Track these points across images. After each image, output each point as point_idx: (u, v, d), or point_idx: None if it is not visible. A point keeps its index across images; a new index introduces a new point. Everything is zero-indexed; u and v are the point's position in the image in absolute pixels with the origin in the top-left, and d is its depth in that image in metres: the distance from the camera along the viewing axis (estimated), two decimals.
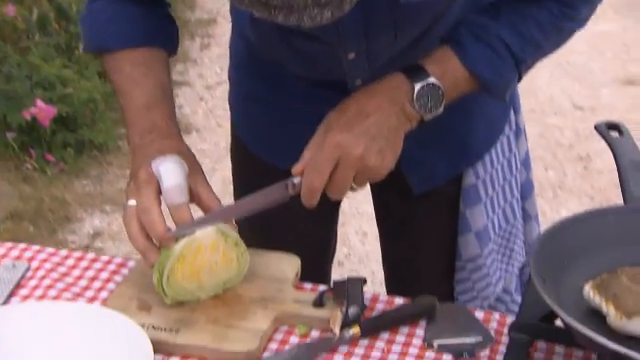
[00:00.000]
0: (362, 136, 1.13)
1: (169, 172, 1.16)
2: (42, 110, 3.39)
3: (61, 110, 3.47)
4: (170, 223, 1.17)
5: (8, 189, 3.36)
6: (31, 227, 3.12)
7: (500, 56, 1.18)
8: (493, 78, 1.20)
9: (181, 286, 1.19)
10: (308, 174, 1.15)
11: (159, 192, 1.16)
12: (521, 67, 1.21)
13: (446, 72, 1.18)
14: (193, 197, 1.20)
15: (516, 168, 1.50)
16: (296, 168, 1.17)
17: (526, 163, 1.53)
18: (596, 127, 1.26)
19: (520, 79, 1.24)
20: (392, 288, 1.59)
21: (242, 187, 1.54)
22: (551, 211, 3.43)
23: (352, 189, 1.18)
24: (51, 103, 3.46)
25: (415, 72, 1.17)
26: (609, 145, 1.21)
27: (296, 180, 1.17)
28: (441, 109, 1.18)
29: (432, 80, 1.16)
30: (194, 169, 1.21)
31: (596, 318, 1.00)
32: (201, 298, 1.21)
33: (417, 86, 1.16)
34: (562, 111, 4.32)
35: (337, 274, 2.89)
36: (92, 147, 3.61)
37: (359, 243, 3.15)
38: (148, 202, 1.15)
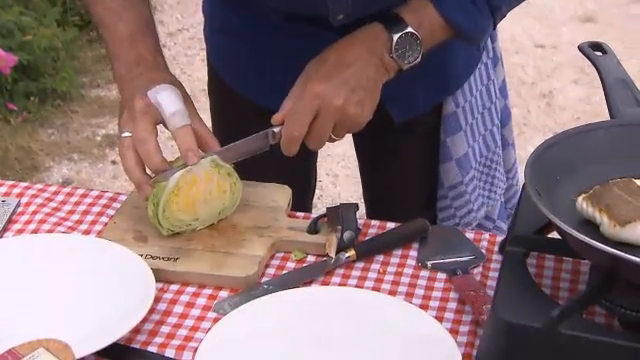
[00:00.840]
0: (342, 86, 1.15)
1: (169, 99, 1.16)
2: (2, 58, 3.31)
3: (22, 58, 3.41)
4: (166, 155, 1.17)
5: None
6: None
7: (476, 4, 1.20)
8: (469, 26, 1.22)
9: (177, 217, 1.19)
10: (288, 124, 1.17)
11: (156, 122, 1.16)
12: (496, 15, 1.23)
13: (423, 21, 1.19)
14: None
15: (495, 95, 1.51)
16: (276, 117, 1.19)
17: (503, 91, 1.55)
18: (580, 47, 1.27)
19: (495, 26, 1.26)
20: (375, 218, 1.61)
21: (220, 121, 1.55)
22: (518, 148, 3.46)
23: (331, 139, 1.21)
24: (11, 51, 3.39)
25: (393, 22, 1.19)
26: (593, 63, 1.23)
27: (276, 129, 1.20)
28: (419, 58, 1.20)
29: (410, 30, 1.18)
30: (186, 101, 1.21)
31: (589, 228, 1.02)
32: (197, 228, 1.22)
33: (395, 36, 1.17)
34: (524, 50, 4.35)
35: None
36: (55, 96, 3.56)
37: (331, 185, 3.16)
38: (145, 133, 1.15)
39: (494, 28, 1.26)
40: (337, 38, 1.27)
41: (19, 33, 3.51)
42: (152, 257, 1.17)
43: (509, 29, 4.50)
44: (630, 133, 1.12)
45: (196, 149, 1.17)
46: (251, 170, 1.47)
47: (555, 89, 3.92)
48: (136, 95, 1.17)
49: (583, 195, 1.05)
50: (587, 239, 0.94)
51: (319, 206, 3.05)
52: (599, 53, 1.26)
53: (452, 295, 1.15)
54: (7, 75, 3.37)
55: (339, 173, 3.17)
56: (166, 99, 1.16)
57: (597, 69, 1.23)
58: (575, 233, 0.95)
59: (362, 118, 1.19)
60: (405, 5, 1.21)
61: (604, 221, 1.01)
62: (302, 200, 1.49)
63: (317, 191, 3.13)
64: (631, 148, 1.12)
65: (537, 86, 3.98)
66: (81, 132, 3.42)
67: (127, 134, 1.16)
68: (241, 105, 1.45)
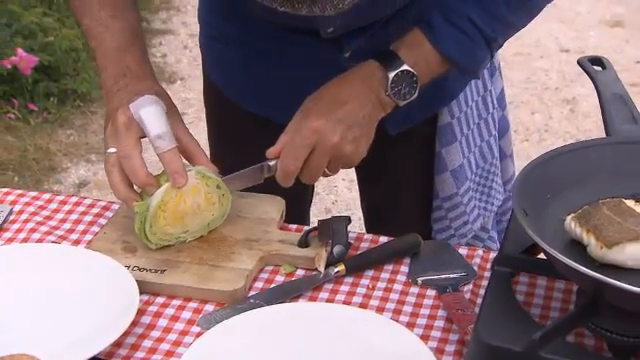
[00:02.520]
0: (338, 124, 1.16)
1: (152, 118, 1.15)
2: (23, 59, 3.36)
3: (43, 59, 3.43)
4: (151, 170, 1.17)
5: None
6: (16, 177, 3.10)
7: (471, 37, 1.19)
8: (465, 59, 1.22)
9: (165, 232, 1.19)
10: (284, 158, 1.18)
11: (139, 137, 1.16)
12: (492, 46, 1.22)
13: (419, 57, 1.20)
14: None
15: (492, 106, 1.50)
16: (271, 151, 1.20)
17: (501, 101, 1.53)
18: (579, 62, 1.25)
19: (492, 57, 1.26)
20: (371, 230, 1.60)
21: (215, 129, 1.55)
22: (537, 154, 3.43)
23: (324, 174, 1.22)
24: (32, 52, 3.42)
25: (388, 59, 1.19)
26: (591, 78, 1.21)
27: (271, 163, 1.20)
28: (415, 94, 1.20)
29: (406, 67, 1.18)
30: (171, 111, 1.21)
31: (577, 249, 1.00)
32: (187, 240, 1.21)
33: (391, 75, 1.18)
34: (548, 54, 4.31)
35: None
36: (75, 97, 3.58)
37: (346, 190, 3.15)
38: (128, 149, 1.14)
39: (491, 58, 1.25)
40: (330, 47, 1.29)
41: (41, 34, 3.54)
42: (139, 269, 1.17)
43: (534, 32, 4.46)
44: (624, 151, 1.10)
45: (183, 171, 1.16)
46: None
47: (579, 95, 3.87)
48: (119, 109, 1.17)
49: (572, 215, 1.03)
50: (570, 262, 0.92)
51: (333, 211, 3.04)
52: (599, 68, 1.24)
53: (440, 313, 1.13)
54: (28, 76, 3.40)
55: (355, 178, 3.15)
56: (149, 117, 1.15)
57: (595, 84, 1.21)
58: (559, 255, 0.93)
59: (357, 155, 1.20)
60: (400, 41, 1.21)
61: (591, 242, 0.99)
62: (298, 209, 1.48)
63: (331, 196, 3.15)
64: (625, 166, 1.10)
65: (560, 91, 3.93)
66: (100, 133, 3.43)
67: (112, 150, 1.16)
68: (235, 113, 1.46)
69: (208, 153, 1.60)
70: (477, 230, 1.54)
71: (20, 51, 3.36)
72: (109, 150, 1.16)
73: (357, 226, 1.63)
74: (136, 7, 1.29)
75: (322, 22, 1.24)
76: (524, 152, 3.50)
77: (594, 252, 0.98)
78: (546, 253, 0.96)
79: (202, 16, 1.48)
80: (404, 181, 1.50)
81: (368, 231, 1.63)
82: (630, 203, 1.01)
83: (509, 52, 4.30)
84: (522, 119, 3.72)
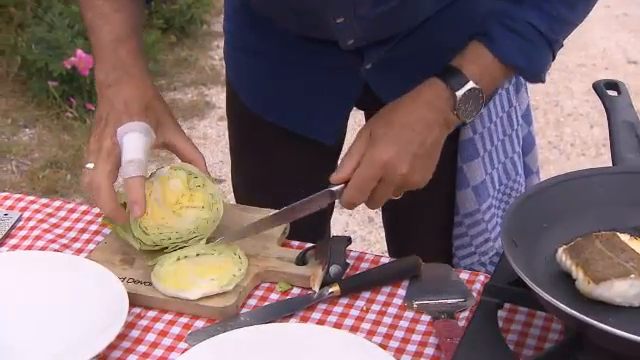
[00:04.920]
0: (407, 155, 1.14)
1: (130, 144, 1.13)
2: (82, 60, 3.42)
3: None
4: None
5: (49, 137, 3.41)
6: (68, 175, 3.16)
7: (533, 42, 1.16)
8: (529, 65, 1.20)
9: (147, 226, 1.19)
10: (352, 190, 1.16)
11: (117, 166, 1.14)
12: (555, 47, 1.19)
13: (484, 72, 1.17)
14: (169, 148, 1.20)
15: (517, 122, 1.47)
16: (336, 177, 1.17)
17: (527, 117, 1.50)
18: (594, 85, 1.21)
19: (554, 57, 1.22)
20: (392, 244, 1.59)
21: (236, 140, 1.54)
22: None
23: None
24: (91, 53, 3.47)
25: (453, 77, 1.16)
26: (604, 104, 1.17)
27: (334, 188, 1.17)
28: (481, 110, 1.18)
29: (472, 85, 1.16)
30: (164, 120, 1.20)
31: (567, 282, 0.97)
32: (177, 245, 1.20)
33: (459, 94, 1.16)
34: (614, 65, 4.19)
35: (366, 230, 2.89)
36: None
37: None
38: (102, 178, 1.13)
39: (553, 59, 1.22)
40: (350, 58, 1.29)
41: None
42: (134, 281, 1.17)
43: (601, 43, 4.35)
44: (627, 181, 1.06)
45: (142, 202, 1.14)
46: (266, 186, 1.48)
47: None
48: (105, 133, 1.15)
49: (564, 247, 0.99)
50: (550, 298, 0.89)
51: (376, 220, 3.01)
52: (614, 92, 1.20)
53: (432, 340, 1.10)
54: (86, 76, 3.46)
55: None
56: (128, 144, 1.14)
57: (606, 110, 1.17)
58: (539, 291, 0.90)
59: (423, 182, 1.19)
60: (462, 56, 1.18)
61: (579, 276, 0.95)
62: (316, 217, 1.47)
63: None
64: (627, 197, 1.05)
65: None
66: None
67: (90, 166, 1.15)
68: (255, 124, 1.45)
69: (229, 163, 1.62)
70: (499, 248, 1.51)
71: (79, 52, 3.43)
72: (88, 165, 1.15)
73: (359, 246, 1.61)
74: (141, 5, 1.27)
75: (341, 33, 1.24)
76: (579, 167, 3.40)
77: (582, 287, 0.95)
78: (528, 287, 0.92)
79: (226, 26, 1.48)
80: (425, 196, 1.47)
81: (389, 246, 1.62)
82: (625, 237, 0.97)
83: (572, 62, 4.20)
84: (580, 133, 3.63)
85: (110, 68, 1.19)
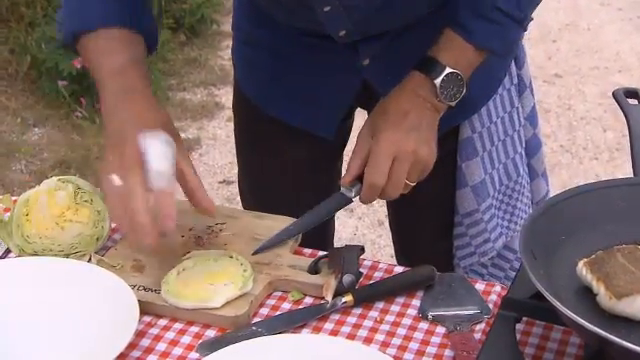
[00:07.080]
0: (411, 131, 1.20)
1: (156, 152, 1.09)
2: None
3: None
4: None
5: (58, 137, 3.40)
6: (77, 175, 3.15)
7: (503, 25, 1.22)
8: (501, 46, 1.26)
9: (31, 247, 1.20)
10: (370, 174, 1.20)
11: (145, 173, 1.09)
12: (524, 23, 1.24)
13: (458, 56, 1.22)
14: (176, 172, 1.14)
15: (519, 124, 1.46)
16: (346, 179, 1.22)
17: (532, 119, 1.49)
18: (614, 94, 1.19)
19: (526, 29, 1.27)
20: (396, 244, 1.61)
21: (242, 138, 1.55)
22: (605, 174, 3.33)
23: (405, 186, 1.22)
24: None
25: (430, 67, 1.22)
26: (624, 112, 1.15)
27: (345, 191, 1.23)
28: (465, 90, 1.23)
29: (449, 70, 1.21)
30: (174, 140, 1.15)
31: (589, 297, 0.95)
32: (58, 256, 1.20)
33: (437, 81, 1.21)
34: (628, 68, 4.16)
35: (375, 234, 2.87)
36: None
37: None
38: (135, 186, 1.08)
39: (525, 31, 1.27)
40: (348, 53, 1.32)
41: None
42: (144, 289, 1.16)
43: (614, 46, 4.32)
44: None
45: (174, 217, 1.08)
46: (271, 195, 1.47)
47: None
48: (127, 140, 1.11)
49: (584, 260, 0.97)
50: (571, 314, 0.87)
51: (385, 224, 3.00)
52: (634, 101, 1.18)
53: (447, 353, 1.08)
54: None
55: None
56: (154, 151, 1.09)
57: (626, 118, 1.14)
58: (559, 306, 0.88)
59: (432, 158, 1.22)
60: (436, 46, 1.23)
61: (601, 291, 0.93)
62: (320, 232, 1.45)
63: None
64: None
65: None
66: None
67: (118, 182, 1.09)
68: (260, 121, 1.46)
69: (235, 161, 1.61)
70: (500, 249, 1.51)
71: None
72: (115, 182, 1.09)
73: (368, 250, 1.60)
74: (145, 52, 1.24)
75: (330, 23, 1.26)
76: (592, 171, 3.39)
77: (603, 302, 0.93)
78: (547, 301, 0.90)
79: (236, 23, 1.49)
80: (424, 195, 1.46)
81: (395, 247, 1.62)
82: None
83: (586, 66, 4.17)
84: (593, 136, 3.60)
85: (120, 91, 1.16)
